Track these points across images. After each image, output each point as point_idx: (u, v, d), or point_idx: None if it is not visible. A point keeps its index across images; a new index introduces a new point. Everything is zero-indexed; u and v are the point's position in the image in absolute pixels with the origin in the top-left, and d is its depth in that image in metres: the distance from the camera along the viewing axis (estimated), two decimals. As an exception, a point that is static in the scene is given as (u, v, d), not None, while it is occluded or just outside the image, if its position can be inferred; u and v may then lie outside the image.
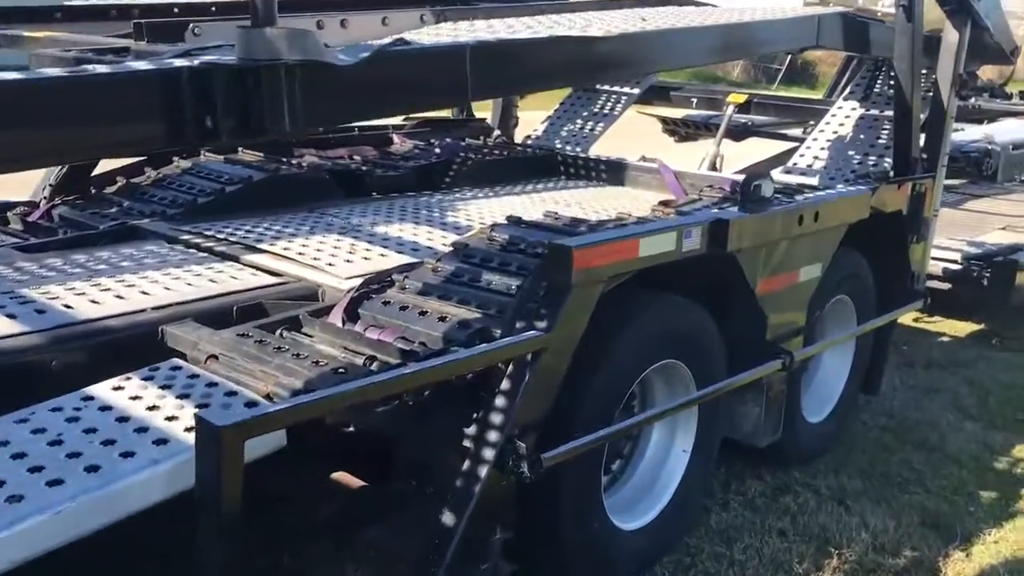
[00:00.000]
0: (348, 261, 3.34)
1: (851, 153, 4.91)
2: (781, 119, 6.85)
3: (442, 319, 2.76)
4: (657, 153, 5.51)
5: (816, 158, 4.98)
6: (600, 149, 5.66)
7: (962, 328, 6.62)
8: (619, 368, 2.97)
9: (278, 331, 2.75)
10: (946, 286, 6.17)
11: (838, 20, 4.27)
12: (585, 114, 5.96)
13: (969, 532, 3.69)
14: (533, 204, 4.59)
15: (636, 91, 5.99)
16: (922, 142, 4.63)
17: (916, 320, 6.33)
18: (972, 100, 8.16)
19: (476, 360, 2.42)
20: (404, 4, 3.34)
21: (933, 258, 5.96)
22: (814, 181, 4.61)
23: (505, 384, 2.54)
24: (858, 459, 4.34)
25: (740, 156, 7.22)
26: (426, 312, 2.82)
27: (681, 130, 7.29)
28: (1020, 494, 4.09)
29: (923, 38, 4.54)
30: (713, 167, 6.23)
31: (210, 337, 2.65)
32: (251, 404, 2.31)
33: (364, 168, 4.87)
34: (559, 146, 5.69)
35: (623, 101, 5.95)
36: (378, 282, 3.08)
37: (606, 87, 6.03)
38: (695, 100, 6.98)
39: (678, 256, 2.99)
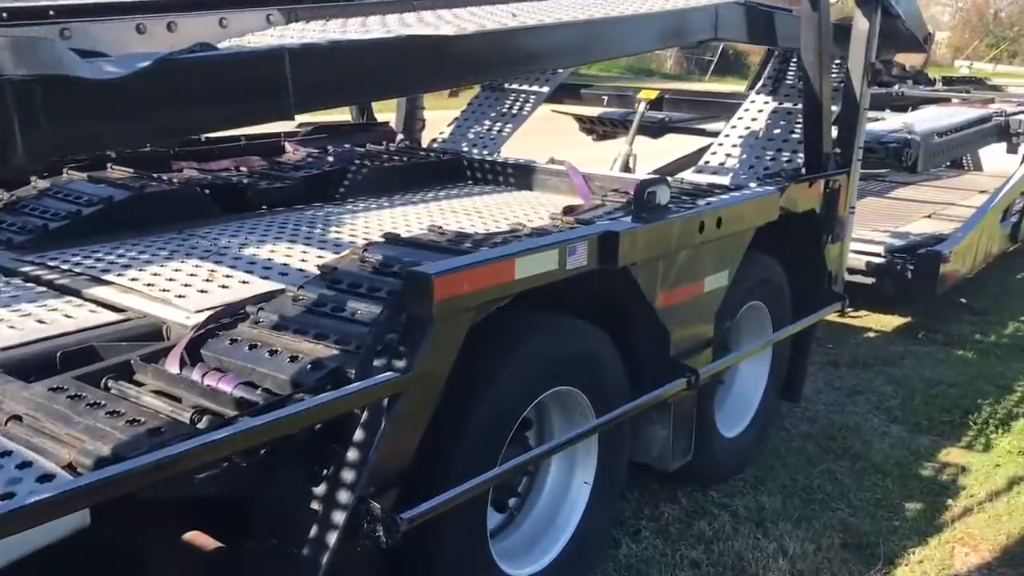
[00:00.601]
0: (203, 291, 2.98)
1: (763, 150, 4.68)
2: (694, 115, 6.63)
3: (293, 359, 2.43)
4: (574, 151, 5.25)
5: (728, 156, 4.73)
6: (517, 148, 5.37)
7: (887, 322, 6.48)
8: (500, 404, 2.68)
9: (103, 380, 2.41)
10: (870, 280, 6.03)
11: (739, 11, 4.02)
12: (493, 115, 5.68)
13: (892, 553, 3.47)
14: (431, 214, 4.28)
15: (545, 90, 5.72)
16: (835, 136, 4.43)
17: (841, 315, 6.14)
18: (896, 87, 8.04)
19: (316, 413, 2.10)
20: (249, 3, 2.98)
21: (856, 252, 5.81)
22: (726, 180, 4.37)
23: (358, 435, 2.23)
24: (779, 473, 4.11)
25: (658, 153, 6.99)
26: (276, 351, 2.49)
27: (598, 128, 7.05)
28: (945, 504, 3.90)
29: (833, 27, 4.33)
30: (626, 167, 5.98)
31: (16, 393, 2.28)
32: (46, 478, 1.96)
33: (247, 181, 4.50)
34: (466, 149, 5.40)
35: (532, 100, 5.68)
36: (229, 315, 2.74)
37: (515, 85, 5.76)
38: (606, 98, 6.73)
39: (563, 275, 2.71)
